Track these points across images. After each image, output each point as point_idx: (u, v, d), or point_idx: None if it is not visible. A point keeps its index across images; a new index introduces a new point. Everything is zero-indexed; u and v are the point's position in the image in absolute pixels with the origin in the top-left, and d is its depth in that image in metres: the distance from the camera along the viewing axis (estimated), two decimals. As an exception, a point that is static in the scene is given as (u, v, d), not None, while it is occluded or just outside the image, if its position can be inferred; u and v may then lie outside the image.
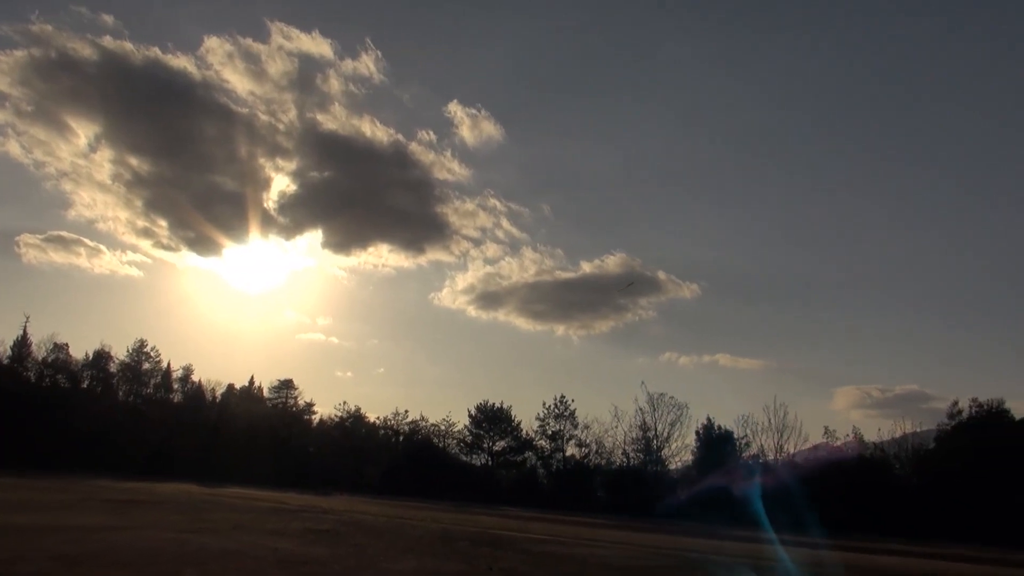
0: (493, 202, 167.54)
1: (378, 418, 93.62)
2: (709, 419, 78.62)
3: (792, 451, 75.64)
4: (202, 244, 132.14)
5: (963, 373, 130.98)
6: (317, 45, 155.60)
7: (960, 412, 69.72)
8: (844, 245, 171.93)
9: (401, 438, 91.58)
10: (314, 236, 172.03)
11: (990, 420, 67.59)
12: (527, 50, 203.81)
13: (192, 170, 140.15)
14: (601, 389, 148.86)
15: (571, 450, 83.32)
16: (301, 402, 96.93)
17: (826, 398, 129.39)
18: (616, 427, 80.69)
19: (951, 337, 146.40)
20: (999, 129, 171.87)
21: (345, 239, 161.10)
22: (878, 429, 75.16)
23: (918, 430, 73.52)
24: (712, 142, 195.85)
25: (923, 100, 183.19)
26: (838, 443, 75.33)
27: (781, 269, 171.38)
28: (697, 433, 78.38)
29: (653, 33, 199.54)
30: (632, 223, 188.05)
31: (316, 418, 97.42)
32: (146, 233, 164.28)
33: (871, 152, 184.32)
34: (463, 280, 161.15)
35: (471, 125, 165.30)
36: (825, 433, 75.84)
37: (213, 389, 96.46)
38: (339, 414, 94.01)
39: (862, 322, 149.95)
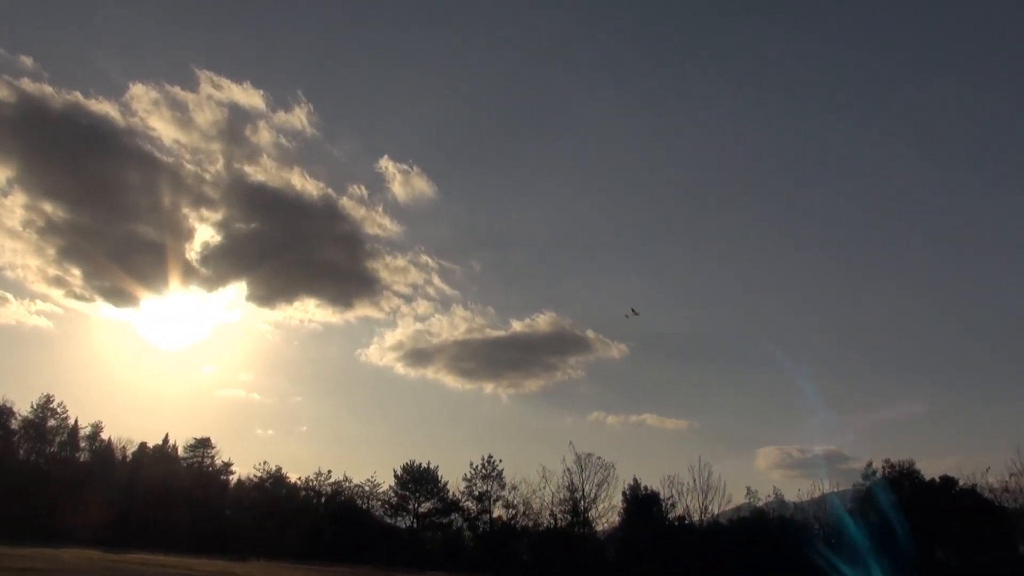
0: (425, 259, 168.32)
1: (300, 478, 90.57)
2: (636, 480, 78.93)
3: (716, 511, 76.35)
4: (118, 294, 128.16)
5: (877, 434, 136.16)
6: (248, 96, 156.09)
7: (874, 472, 72.03)
8: (767, 308, 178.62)
9: (324, 500, 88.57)
10: (238, 289, 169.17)
11: (901, 479, 70.01)
12: (460, 109, 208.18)
13: (111, 218, 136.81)
14: (529, 448, 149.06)
15: (498, 511, 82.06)
16: (218, 461, 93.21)
17: (749, 458, 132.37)
18: (544, 488, 79.93)
19: (866, 400, 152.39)
20: (913, 192, 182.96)
21: (270, 292, 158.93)
22: (798, 489, 76.66)
23: (836, 490, 75.41)
24: (641, 204, 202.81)
25: (841, 164, 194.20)
26: (760, 503, 76.57)
27: (706, 330, 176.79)
28: (624, 494, 78.40)
29: (586, 97, 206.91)
30: (562, 283, 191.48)
31: (234, 478, 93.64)
32: (58, 282, 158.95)
33: (792, 216, 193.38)
34: (392, 337, 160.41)
35: (403, 181, 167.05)
36: (747, 493, 76.97)
37: (124, 448, 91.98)
38: (259, 474, 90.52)
39: (783, 384, 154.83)
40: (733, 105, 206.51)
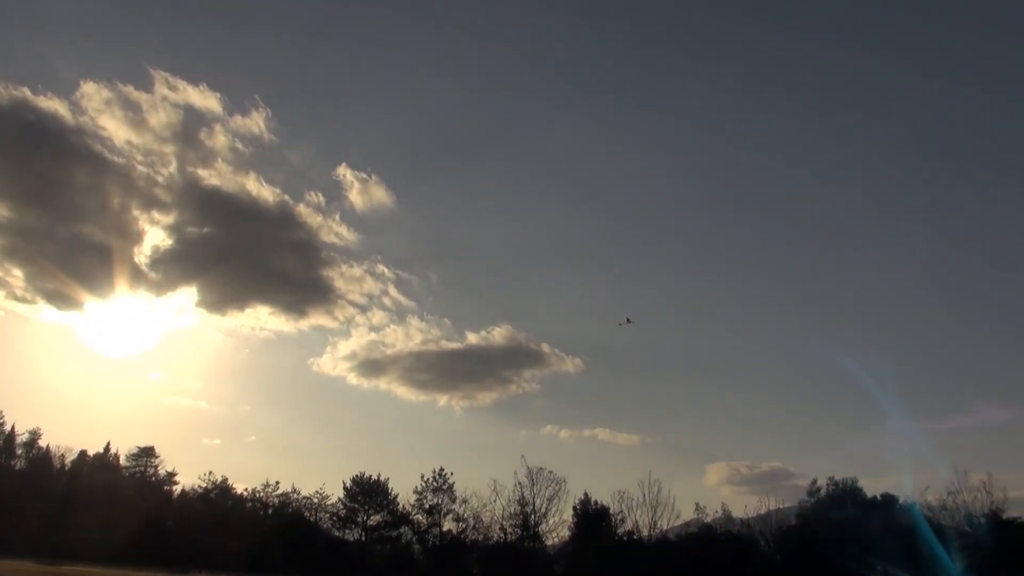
0: (381, 268, 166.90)
1: (246, 489, 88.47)
2: (586, 494, 79.40)
3: (665, 527, 77.08)
4: (61, 297, 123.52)
5: (823, 452, 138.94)
6: (204, 98, 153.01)
7: (819, 489, 73.65)
8: (721, 325, 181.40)
9: (270, 511, 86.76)
10: (188, 294, 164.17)
11: (845, 496, 71.67)
12: (421, 119, 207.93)
13: (57, 219, 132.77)
14: (482, 462, 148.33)
15: (448, 525, 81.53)
16: (162, 471, 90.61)
17: (699, 474, 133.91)
18: (495, 501, 79.72)
19: (814, 418, 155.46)
20: (871, 218, 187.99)
21: (222, 299, 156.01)
22: (745, 505, 78.05)
23: (782, 506, 76.82)
24: (600, 219, 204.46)
25: (804, 182, 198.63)
26: (708, 519, 77.52)
27: (661, 346, 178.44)
28: (574, 508, 78.82)
29: (547, 110, 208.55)
30: (519, 296, 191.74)
31: (178, 489, 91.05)
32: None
33: (752, 233, 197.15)
34: (345, 346, 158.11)
35: (361, 190, 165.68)
36: (696, 509, 77.94)
37: (63, 456, 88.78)
38: (204, 484, 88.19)
39: (735, 400, 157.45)
40: (693, 123, 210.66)
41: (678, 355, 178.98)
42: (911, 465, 76.66)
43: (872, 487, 74.35)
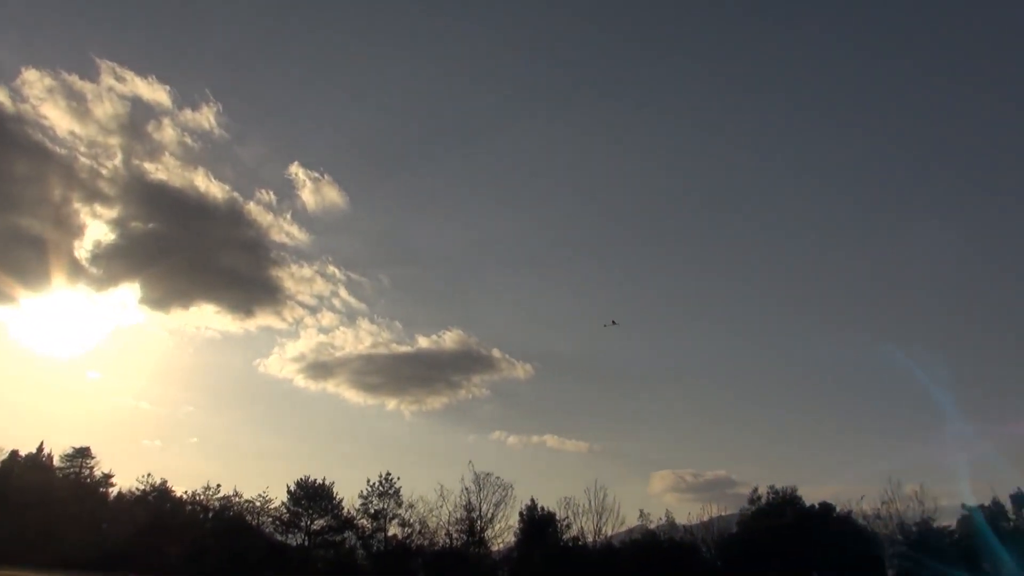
0: (332, 269, 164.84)
1: (186, 492, 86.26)
2: (533, 500, 79.63)
3: (610, 533, 77.79)
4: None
5: (765, 461, 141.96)
6: (153, 91, 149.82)
7: (759, 498, 75.14)
8: (670, 334, 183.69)
9: (211, 515, 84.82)
10: (131, 291, 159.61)
11: (784, 505, 73.28)
12: (377, 119, 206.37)
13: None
14: (429, 466, 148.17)
15: (393, 530, 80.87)
16: (98, 472, 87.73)
17: (644, 481, 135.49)
18: (441, 507, 79.41)
19: (756, 428, 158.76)
20: (810, 231, 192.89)
21: (166, 296, 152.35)
22: (688, 513, 79.32)
23: (724, 514, 78.26)
24: (552, 226, 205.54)
25: (748, 198, 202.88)
26: (652, 526, 78.50)
27: (611, 354, 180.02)
28: (521, 514, 78.90)
29: (502, 116, 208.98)
30: (471, 301, 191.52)
31: (115, 491, 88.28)
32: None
33: (701, 242, 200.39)
34: (293, 348, 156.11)
35: (314, 189, 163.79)
36: (641, 516, 78.83)
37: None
38: (142, 487, 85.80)
39: (682, 408, 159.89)
40: (649, 130, 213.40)
41: (628, 363, 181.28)
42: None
43: (811, 495, 76.32)
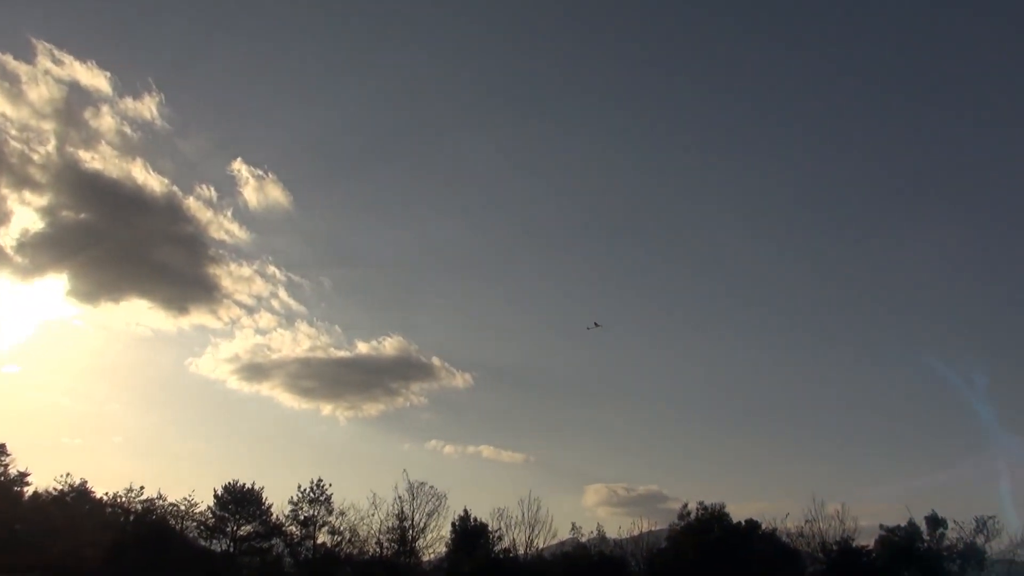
0: (272, 270, 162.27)
1: (107, 493, 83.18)
2: (466, 511, 79.51)
3: (541, 545, 78.04)
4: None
5: (697, 477, 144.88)
6: (92, 76, 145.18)
7: (688, 514, 76.42)
8: (607, 349, 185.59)
9: (132, 517, 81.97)
10: (58, 282, 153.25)
11: (712, 521, 74.72)
12: (326, 120, 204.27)
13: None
14: (363, 474, 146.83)
15: (323, 537, 79.25)
16: (13, 471, 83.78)
17: (579, 494, 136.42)
18: (373, 515, 78.37)
19: (690, 443, 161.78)
20: (739, 250, 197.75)
21: (95, 289, 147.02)
22: (619, 527, 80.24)
23: (654, 529, 79.37)
24: (497, 235, 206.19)
25: (690, 211, 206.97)
26: (584, 539, 79.06)
27: (550, 366, 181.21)
28: (453, 524, 78.67)
29: (452, 124, 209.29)
30: (413, 307, 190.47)
31: (30, 491, 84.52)
32: None
33: (643, 256, 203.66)
34: (228, 348, 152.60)
35: (257, 187, 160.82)
36: (572, 529, 79.26)
37: None
38: (59, 487, 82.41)
39: (618, 422, 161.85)
40: (597, 141, 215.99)
41: (567, 375, 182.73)
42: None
43: (739, 512, 78.00)
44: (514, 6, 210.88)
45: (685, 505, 77.51)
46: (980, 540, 70.86)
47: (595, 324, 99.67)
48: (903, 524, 73.58)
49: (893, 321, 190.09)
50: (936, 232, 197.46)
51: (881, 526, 74.69)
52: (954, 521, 72.16)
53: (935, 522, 72.75)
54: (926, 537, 72.73)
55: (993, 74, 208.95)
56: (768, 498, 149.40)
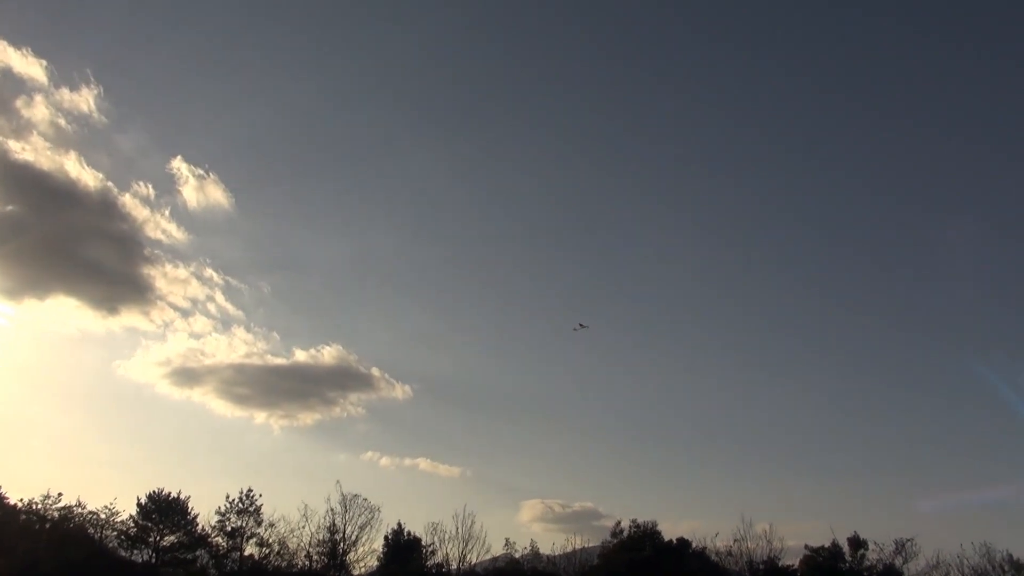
0: (210, 273, 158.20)
1: (22, 500, 79.39)
2: (400, 524, 78.82)
3: (474, 561, 77.62)
4: None
5: (632, 494, 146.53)
6: (27, 64, 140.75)
7: (622, 531, 77.23)
8: (546, 364, 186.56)
9: (48, 525, 78.40)
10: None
11: (645, 539, 75.61)
12: (272, 120, 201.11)
13: None
14: (295, 485, 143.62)
15: (250, 550, 77.24)
16: (-81, 475, 79.69)
17: (514, 509, 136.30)
18: (303, 527, 76.75)
19: (627, 460, 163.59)
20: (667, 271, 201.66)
21: (19, 285, 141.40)
22: (552, 543, 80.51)
23: (587, 545, 79.83)
24: (443, 247, 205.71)
25: (634, 224, 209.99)
26: (517, 555, 79.04)
27: (489, 381, 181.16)
28: (386, 538, 77.94)
29: (401, 136, 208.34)
30: (354, 316, 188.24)
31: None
32: None
33: (587, 274, 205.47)
34: (159, 351, 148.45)
35: (197, 187, 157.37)
36: (506, 544, 79.16)
37: None
38: (-31, 492, 78.38)
39: (556, 438, 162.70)
40: (540, 154, 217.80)
41: (506, 389, 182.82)
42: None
43: (671, 531, 79.16)
44: (463, 13, 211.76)
45: (618, 523, 78.37)
46: (898, 561, 73.26)
47: (580, 325, 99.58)
48: (827, 545, 75.73)
49: (814, 347, 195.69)
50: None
51: (806, 546, 76.75)
52: (874, 543, 74.50)
53: (857, 543, 75.02)
54: (848, 558, 74.93)
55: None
56: (700, 516, 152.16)
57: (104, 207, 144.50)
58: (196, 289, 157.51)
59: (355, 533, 77.04)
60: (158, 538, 76.97)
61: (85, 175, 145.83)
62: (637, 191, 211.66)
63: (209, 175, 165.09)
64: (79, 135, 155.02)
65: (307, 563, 76.43)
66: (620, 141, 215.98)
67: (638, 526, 77.04)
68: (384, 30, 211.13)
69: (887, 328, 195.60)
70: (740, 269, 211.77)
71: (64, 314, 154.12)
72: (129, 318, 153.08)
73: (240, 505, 77.89)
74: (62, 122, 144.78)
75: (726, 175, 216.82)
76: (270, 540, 76.99)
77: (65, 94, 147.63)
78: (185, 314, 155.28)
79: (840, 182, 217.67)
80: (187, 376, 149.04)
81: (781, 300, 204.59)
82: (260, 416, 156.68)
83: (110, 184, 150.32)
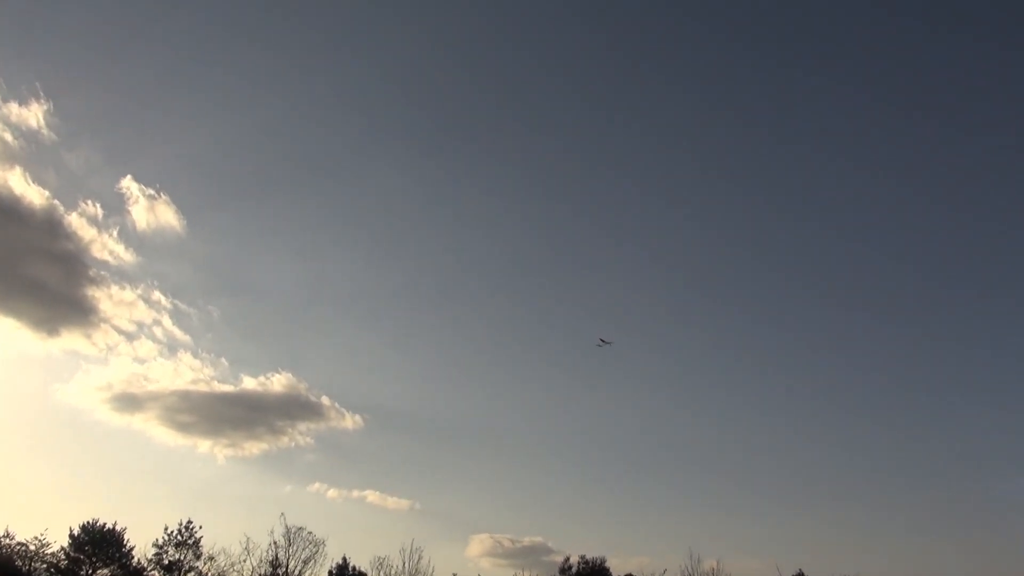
0: (158, 296, 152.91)
1: (-54, 530, 75.89)
2: (344, 558, 77.63)
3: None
4: None
5: (582, 529, 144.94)
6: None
7: (571, 567, 76.71)
8: (497, 400, 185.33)
9: (-28, 557, 74.95)
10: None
11: (594, 575, 75.19)
12: (227, 140, 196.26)
13: None
14: (238, 516, 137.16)
15: (189, 584, 74.75)
16: None
17: (463, 543, 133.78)
18: (244, 560, 74.24)
19: (576, 494, 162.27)
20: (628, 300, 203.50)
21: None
22: (500, 579, 79.46)
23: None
24: (398, 275, 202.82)
25: (589, 256, 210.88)
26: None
27: (442, 412, 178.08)
28: (330, 572, 76.74)
29: (362, 155, 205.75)
30: (306, 344, 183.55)
31: None
32: None
33: (539, 304, 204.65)
34: (101, 375, 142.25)
35: (147, 207, 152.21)
36: (452, 580, 77.99)
37: None
38: None
39: (506, 472, 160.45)
40: (504, 182, 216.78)
41: (458, 422, 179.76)
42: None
43: (620, 567, 78.62)
44: (422, 31, 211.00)
45: (567, 559, 77.84)
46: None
47: (603, 341, 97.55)
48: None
49: (763, 379, 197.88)
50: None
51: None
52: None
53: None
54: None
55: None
56: (650, 552, 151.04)
57: (49, 225, 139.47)
58: (143, 312, 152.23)
59: (298, 567, 74.91)
60: (90, 571, 74.14)
61: (31, 192, 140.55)
62: (606, 223, 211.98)
63: (160, 195, 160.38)
64: (26, 151, 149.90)
65: (247, 598, 74.11)
66: (588, 166, 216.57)
67: (587, 562, 76.66)
68: (342, 49, 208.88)
69: (836, 363, 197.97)
70: (692, 304, 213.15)
71: (1, 335, 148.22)
72: (70, 340, 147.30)
73: (179, 537, 75.40)
74: (8, 137, 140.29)
75: (692, 213, 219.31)
76: (209, 574, 74.69)
77: (14, 108, 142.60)
78: (130, 338, 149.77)
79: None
80: (128, 402, 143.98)
81: (729, 328, 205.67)
82: (204, 445, 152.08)
83: (56, 202, 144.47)
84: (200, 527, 76.15)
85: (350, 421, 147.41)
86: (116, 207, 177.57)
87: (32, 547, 75.08)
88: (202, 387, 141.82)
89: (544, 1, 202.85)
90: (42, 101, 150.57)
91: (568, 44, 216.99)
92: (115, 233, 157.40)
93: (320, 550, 75.93)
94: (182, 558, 74.99)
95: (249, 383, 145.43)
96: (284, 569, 74.69)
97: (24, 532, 78.61)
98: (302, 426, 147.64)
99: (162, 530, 75.70)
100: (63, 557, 74.22)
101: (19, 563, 74.56)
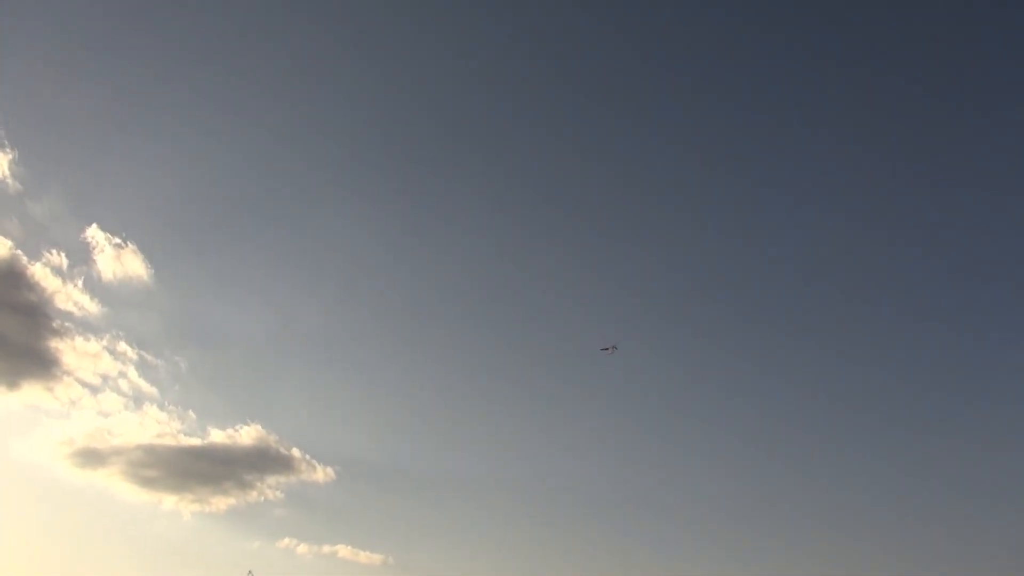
0: (124, 347, 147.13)
1: None
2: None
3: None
4: None
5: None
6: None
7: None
8: (473, 449, 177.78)
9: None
10: None
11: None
12: (195, 190, 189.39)
13: None
14: (205, 574, 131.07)
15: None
16: None
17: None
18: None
19: (554, 547, 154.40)
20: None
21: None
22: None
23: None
24: (369, 322, 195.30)
25: (551, 297, 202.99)
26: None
27: (416, 463, 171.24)
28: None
29: (323, 201, 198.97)
30: (276, 394, 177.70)
31: None
32: None
33: (512, 350, 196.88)
34: (63, 430, 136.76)
35: (113, 256, 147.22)
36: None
37: None
38: None
39: (480, 523, 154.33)
40: (472, 223, 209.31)
41: (433, 472, 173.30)
42: None
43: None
44: (387, 68, 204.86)
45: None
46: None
47: (612, 347, 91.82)
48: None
49: (711, 420, 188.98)
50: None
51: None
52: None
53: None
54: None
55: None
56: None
57: (11, 276, 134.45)
58: (108, 364, 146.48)
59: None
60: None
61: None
62: (577, 259, 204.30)
63: (127, 244, 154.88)
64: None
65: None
66: (558, 202, 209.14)
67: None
68: (307, 87, 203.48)
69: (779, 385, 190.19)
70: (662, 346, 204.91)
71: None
72: (31, 394, 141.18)
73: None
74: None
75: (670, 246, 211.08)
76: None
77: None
78: (94, 391, 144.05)
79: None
80: (91, 457, 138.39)
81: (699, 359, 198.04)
82: (169, 500, 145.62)
83: (19, 252, 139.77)
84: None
85: (321, 473, 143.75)
86: (82, 256, 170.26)
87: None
88: (168, 441, 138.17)
89: (510, 26, 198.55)
90: (6, 150, 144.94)
91: (533, 84, 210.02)
92: (80, 283, 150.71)
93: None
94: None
95: (217, 436, 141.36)
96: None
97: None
98: (271, 479, 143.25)
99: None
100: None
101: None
